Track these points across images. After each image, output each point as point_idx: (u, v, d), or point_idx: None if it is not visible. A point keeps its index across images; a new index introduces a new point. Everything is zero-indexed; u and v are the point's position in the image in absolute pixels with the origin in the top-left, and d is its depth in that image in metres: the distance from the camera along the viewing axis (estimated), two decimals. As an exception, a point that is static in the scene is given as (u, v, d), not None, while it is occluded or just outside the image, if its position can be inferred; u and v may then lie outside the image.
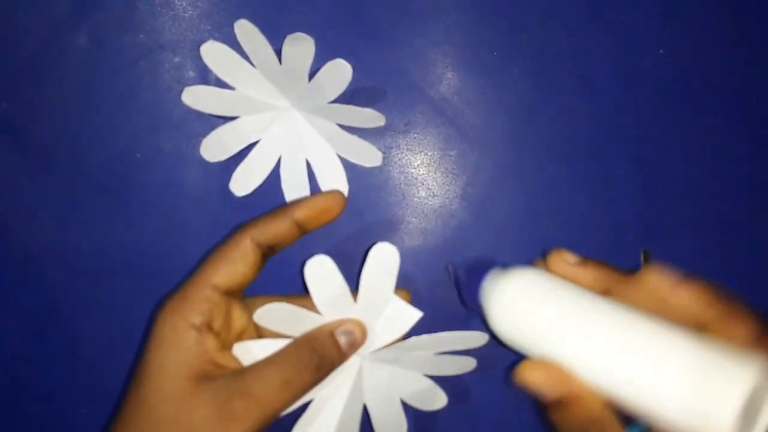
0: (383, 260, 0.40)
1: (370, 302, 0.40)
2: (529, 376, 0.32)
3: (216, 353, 0.37)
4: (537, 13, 0.48)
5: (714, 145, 0.49)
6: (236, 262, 0.38)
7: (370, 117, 0.45)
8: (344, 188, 0.47)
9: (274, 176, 0.48)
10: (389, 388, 0.44)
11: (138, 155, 0.48)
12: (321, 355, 0.37)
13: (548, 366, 0.32)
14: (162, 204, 0.48)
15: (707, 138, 0.49)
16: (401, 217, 0.48)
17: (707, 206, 0.49)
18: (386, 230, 0.48)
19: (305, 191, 0.47)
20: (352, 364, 0.42)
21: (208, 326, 0.37)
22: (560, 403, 0.32)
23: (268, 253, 0.39)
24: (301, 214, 0.39)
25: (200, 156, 0.47)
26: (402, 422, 0.45)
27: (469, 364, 0.44)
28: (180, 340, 0.36)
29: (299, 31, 0.42)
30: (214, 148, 0.47)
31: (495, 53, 0.48)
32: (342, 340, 0.39)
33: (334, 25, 0.48)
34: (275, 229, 0.39)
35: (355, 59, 0.43)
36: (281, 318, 0.39)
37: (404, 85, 0.48)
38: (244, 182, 0.48)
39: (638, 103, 0.49)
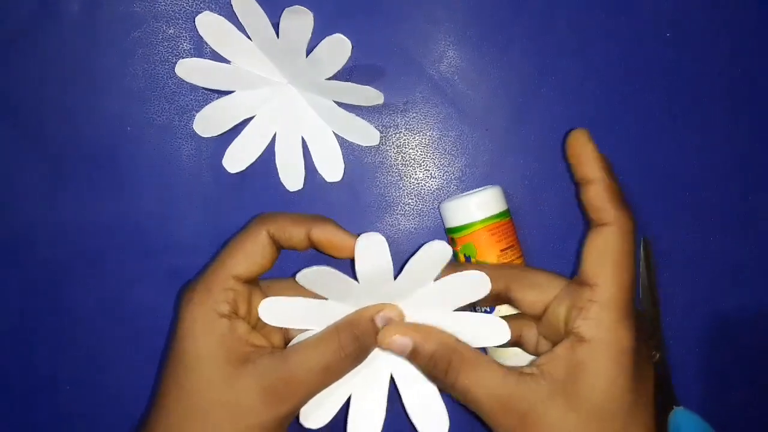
0: (434, 256, 0.39)
1: (408, 284, 0.40)
2: (388, 341, 0.38)
3: (249, 335, 0.38)
4: (541, -7, 0.47)
5: (718, 131, 0.48)
6: (255, 255, 0.39)
7: (368, 95, 0.44)
8: (340, 167, 0.46)
9: (269, 153, 0.47)
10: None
11: (128, 128, 0.47)
12: (361, 342, 0.39)
13: (398, 327, 0.38)
14: (152, 179, 0.47)
15: (712, 124, 0.48)
16: (398, 198, 0.47)
17: (710, 194, 0.48)
18: (382, 211, 0.47)
19: (300, 169, 0.46)
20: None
21: (235, 313, 0.38)
22: (413, 353, 0.38)
23: (278, 247, 0.40)
24: (317, 235, 0.40)
25: (193, 130, 0.46)
26: (437, 405, 0.42)
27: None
28: (213, 329, 0.37)
29: (298, 4, 0.40)
30: (208, 122, 0.46)
31: (498, 33, 0.47)
32: (381, 325, 0.39)
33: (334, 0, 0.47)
34: (290, 233, 0.40)
35: (355, 35, 0.42)
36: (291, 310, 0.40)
37: (404, 63, 0.47)
38: (237, 159, 0.46)
39: (641, 87, 0.48)
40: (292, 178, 0.47)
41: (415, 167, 0.48)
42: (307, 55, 0.43)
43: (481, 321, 0.40)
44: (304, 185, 0.47)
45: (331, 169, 0.47)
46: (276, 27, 0.42)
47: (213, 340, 0.37)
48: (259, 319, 0.40)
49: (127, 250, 0.47)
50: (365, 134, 0.46)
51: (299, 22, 0.41)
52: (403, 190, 0.48)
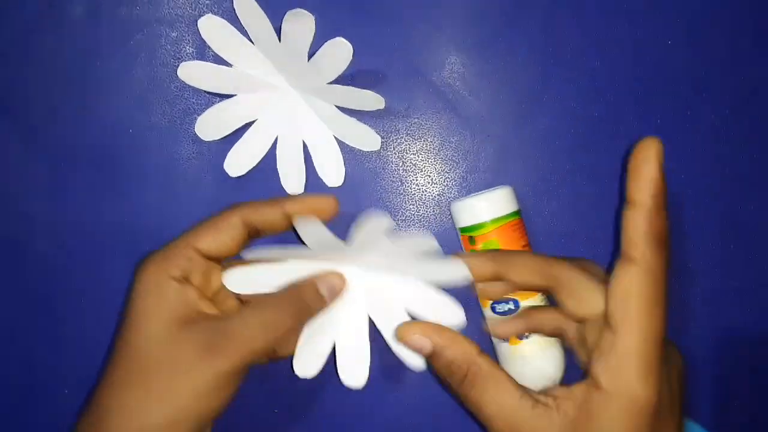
0: (375, 228, 0.39)
1: (362, 249, 0.40)
2: (407, 337, 0.38)
3: (198, 301, 0.38)
4: (545, 1, 0.47)
5: (718, 137, 0.48)
6: (221, 233, 0.40)
7: (369, 99, 0.44)
8: (341, 172, 0.46)
9: (270, 157, 0.47)
10: (392, 298, 0.43)
11: (130, 130, 0.47)
12: (301, 299, 0.40)
13: (418, 326, 0.38)
14: (154, 182, 0.47)
15: (711, 130, 0.48)
16: (399, 204, 0.47)
17: (709, 198, 0.48)
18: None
19: (301, 174, 0.46)
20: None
21: (187, 280, 0.39)
22: (431, 355, 0.37)
23: (253, 234, 0.41)
24: (292, 207, 0.41)
25: (195, 134, 0.46)
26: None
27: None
28: (162, 289, 0.38)
29: (300, 7, 0.40)
30: (210, 126, 0.46)
31: (499, 38, 0.47)
32: (324, 289, 0.40)
33: (337, 4, 0.47)
34: (265, 214, 0.40)
35: (357, 40, 0.42)
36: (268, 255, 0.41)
37: (406, 68, 0.47)
38: (238, 162, 0.46)
39: (643, 93, 0.47)
40: (293, 182, 0.46)
41: (416, 173, 0.47)
42: (308, 59, 0.43)
43: (438, 301, 0.41)
44: (305, 190, 0.47)
45: (333, 173, 0.46)
46: (278, 31, 0.42)
47: (161, 300, 0.37)
48: (216, 294, 0.41)
49: (128, 252, 0.47)
50: (366, 139, 0.46)
51: (301, 25, 0.41)
52: (405, 195, 0.47)
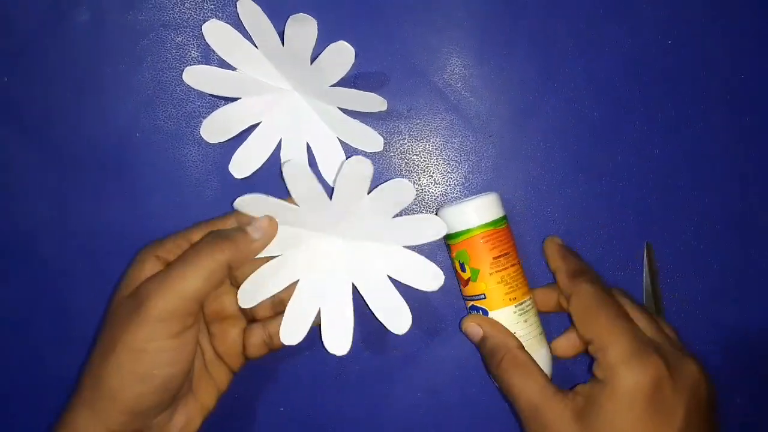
0: (358, 171, 0.40)
1: (345, 201, 0.42)
2: (465, 327, 0.45)
3: None
4: (545, 2, 0.47)
5: (718, 137, 0.48)
6: (212, 229, 0.42)
7: (372, 101, 0.45)
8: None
9: (274, 159, 0.47)
10: (373, 265, 0.45)
11: (137, 134, 0.48)
12: (227, 239, 0.41)
13: (477, 318, 0.45)
14: (160, 184, 0.48)
15: (712, 129, 0.48)
16: (401, 204, 0.48)
17: (709, 198, 0.48)
18: (386, 217, 0.48)
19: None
20: (331, 247, 0.45)
21: (167, 261, 0.42)
22: (480, 341, 0.44)
23: None
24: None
25: (200, 136, 0.47)
26: (398, 301, 0.44)
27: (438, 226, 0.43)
28: (143, 264, 0.42)
29: (303, 12, 0.41)
30: (215, 128, 0.47)
31: (500, 41, 0.48)
32: (250, 229, 0.42)
33: (338, 8, 0.47)
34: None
35: (359, 43, 0.42)
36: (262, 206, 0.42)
37: (408, 70, 0.47)
38: (243, 164, 0.47)
39: (643, 93, 0.48)
40: (297, 183, 0.47)
41: (419, 173, 0.48)
42: (311, 63, 0.44)
43: (418, 264, 0.44)
44: (308, 191, 0.47)
45: (336, 175, 0.47)
46: (281, 35, 0.43)
47: (136, 272, 0.41)
48: None
49: (132, 252, 0.48)
50: (369, 140, 0.47)
51: (304, 29, 0.42)
52: (407, 196, 0.48)
